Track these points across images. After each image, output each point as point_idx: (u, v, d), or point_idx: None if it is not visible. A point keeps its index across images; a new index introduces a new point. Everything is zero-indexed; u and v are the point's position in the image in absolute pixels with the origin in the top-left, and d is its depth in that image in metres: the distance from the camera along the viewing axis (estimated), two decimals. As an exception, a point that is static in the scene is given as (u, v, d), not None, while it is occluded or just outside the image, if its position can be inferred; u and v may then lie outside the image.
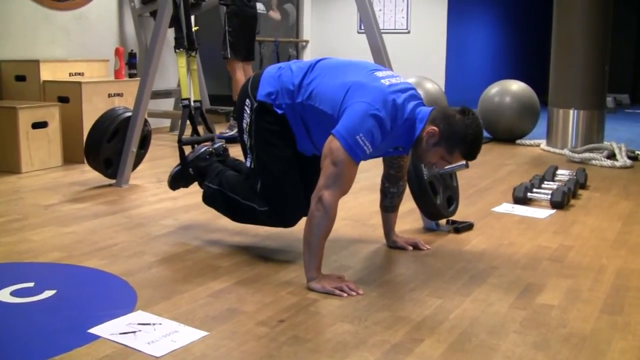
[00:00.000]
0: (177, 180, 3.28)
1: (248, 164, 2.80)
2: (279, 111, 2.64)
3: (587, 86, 6.04)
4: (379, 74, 2.58)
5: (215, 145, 3.23)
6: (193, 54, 3.92)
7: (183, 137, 3.42)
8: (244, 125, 2.75)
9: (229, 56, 6.07)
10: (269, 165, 2.71)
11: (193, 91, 3.95)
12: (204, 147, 3.19)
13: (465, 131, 2.49)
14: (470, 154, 2.56)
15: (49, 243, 2.99)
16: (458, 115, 2.51)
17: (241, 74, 6.21)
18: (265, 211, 2.76)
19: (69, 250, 2.90)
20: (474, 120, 2.53)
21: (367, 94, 2.45)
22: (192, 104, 3.79)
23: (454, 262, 2.83)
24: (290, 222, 2.80)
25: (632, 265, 2.81)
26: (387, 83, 2.52)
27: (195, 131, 3.72)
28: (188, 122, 3.67)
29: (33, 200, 3.80)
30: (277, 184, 2.72)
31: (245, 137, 2.76)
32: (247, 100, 2.72)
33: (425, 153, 2.56)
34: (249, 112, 2.71)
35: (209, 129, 3.75)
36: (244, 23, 6.19)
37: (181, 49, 3.81)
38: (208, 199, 3.02)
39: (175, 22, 3.86)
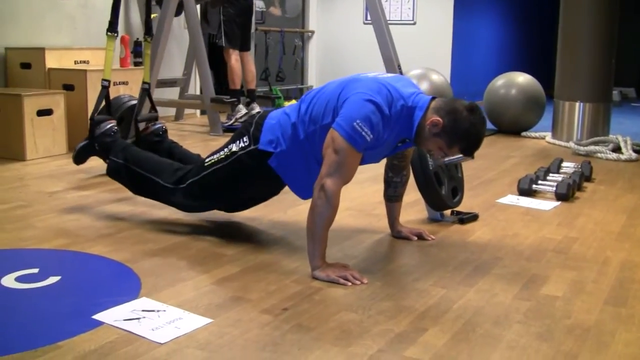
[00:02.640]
0: (81, 155, 3.45)
1: (206, 159, 2.88)
2: (273, 164, 2.69)
3: (593, 79, 6.02)
4: (368, 74, 2.63)
5: (155, 126, 3.48)
6: (149, 39, 4.02)
7: (140, 116, 3.77)
8: (230, 147, 2.79)
9: (224, 44, 6.17)
10: (218, 184, 2.83)
11: (145, 73, 4.05)
12: (110, 124, 3.35)
13: (469, 129, 2.51)
14: (469, 151, 2.59)
15: (53, 230, 2.99)
16: (466, 112, 2.50)
17: (237, 61, 6.27)
18: (169, 188, 2.93)
19: (74, 237, 2.90)
20: (480, 119, 2.55)
21: (360, 86, 2.49)
22: (144, 85, 4.04)
23: (458, 252, 2.83)
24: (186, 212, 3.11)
25: (637, 258, 2.80)
26: (377, 76, 2.59)
27: (107, 111, 3.86)
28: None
29: (37, 188, 3.80)
30: (209, 196, 2.90)
31: (224, 152, 2.81)
32: (246, 138, 2.75)
33: (424, 141, 2.58)
34: (240, 145, 2.76)
35: (154, 109, 3.95)
36: (238, 13, 6.24)
37: (113, 34, 3.84)
38: (112, 173, 3.19)
39: (113, 7, 3.88)
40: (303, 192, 2.77)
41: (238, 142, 2.77)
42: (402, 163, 2.93)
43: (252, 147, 2.72)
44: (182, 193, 2.91)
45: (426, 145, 2.60)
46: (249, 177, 2.78)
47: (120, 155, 3.12)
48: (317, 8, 9.58)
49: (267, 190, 2.95)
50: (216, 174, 2.82)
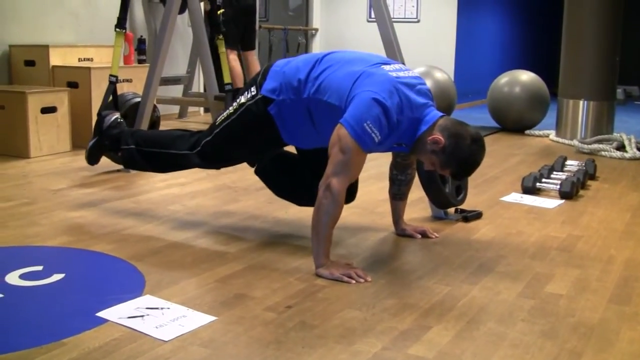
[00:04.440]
0: (93, 154, 3.44)
1: (217, 119, 2.86)
2: (272, 111, 2.65)
3: (597, 77, 6.01)
4: (387, 67, 2.57)
5: None
6: (219, 37, 4.01)
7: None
8: (239, 100, 2.77)
9: None
10: (230, 140, 2.80)
11: (224, 74, 4.05)
12: (114, 116, 3.32)
13: (467, 158, 2.54)
14: (460, 176, 2.69)
15: (57, 227, 3.00)
16: (469, 140, 2.52)
17: (235, 61, 6.26)
18: (186, 154, 2.90)
19: (78, 234, 2.90)
20: (481, 151, 2.58)
21: (374, 84, 2.45)
22: (227, 86, 4.19)
23: (462, 250, 2.83)
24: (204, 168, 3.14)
25: (641, 256, 2.80)
26: (395, 75, 2.52)
27: (115, 106, 3.86)
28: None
29: (41, 185, 3.80)
30: (223, 154, 2.87)
31: (233, 106, 2.79)
32: (254, 87, 2.73)
33: (420, 153, 2.61)
34: (248, 96, 2.73)
35: None
36: (238, 14, 6.22)
37: (121, 30, 3.90)
38: (128, 162, 3.16)
39: (122, 3, 3.90)
40: (294, 142, 2.80)
41: (246, 93, 2.75)
42: (406, 161, 2.92)
43: (258, 95, 2.69)
44: (198, 156, 2.87)
45: (420, 157, 2.64)
46: (256, 126, 2.72)
47: (131, 141, 3.09)
48: (321, 5, 9.58)
49: (273, 142, 2.84)
50: (227, 129, 2.78)
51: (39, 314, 2.08)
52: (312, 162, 2.86)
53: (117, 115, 3.35)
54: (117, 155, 3.29)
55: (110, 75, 3.86)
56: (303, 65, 2.65)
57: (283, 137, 2.73)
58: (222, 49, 4.08)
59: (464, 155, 2.52)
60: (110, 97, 3.88)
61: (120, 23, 3.89)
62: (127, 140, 3.10)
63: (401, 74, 2.55)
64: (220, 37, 4.05)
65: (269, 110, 2.65)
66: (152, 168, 3.16)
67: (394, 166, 2.96)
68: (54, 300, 2.19)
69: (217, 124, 2.82)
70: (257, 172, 3.09)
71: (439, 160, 2.54)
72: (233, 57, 6.27)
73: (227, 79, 3.95)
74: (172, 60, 6.58)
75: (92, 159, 3.46)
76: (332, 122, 2.46)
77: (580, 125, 6.07)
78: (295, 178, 3.00)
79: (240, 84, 6.33)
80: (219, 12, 4.16)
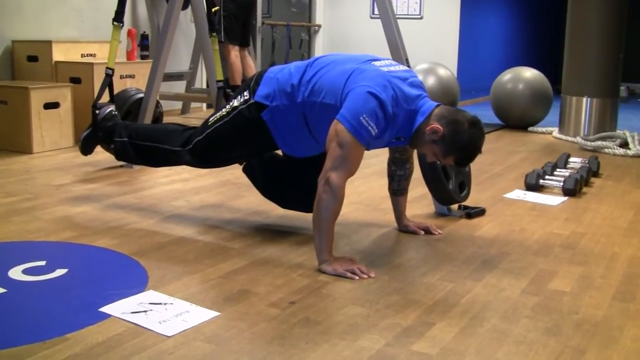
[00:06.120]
0: (87, 145, 3.46)
1: (210, 117, 2.86)
2: (265, 117, 2.66)
3: (600, 74, 5.99)
4: (377, 63, 2.59)
5: None
6: (214, 34, 4.05)
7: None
8: (232, 103, 2.78)
9: (223, 40, 6.10)
10: (220, 141, 2.80)
11: (217, 71, 4.08)
12: (108, 108, 3.37)
13: (467, 143, 2.53)
14: (463, 162, 2.64)
15: (60, 222, 3.00)
16: (467, 124, 2.52)
17: (236, 57, 6.23)
18: (178, 151, 2.91)
19: (81, 229, 2.90)
20: (480, 134, 2.57)
21: (368, 79, 2.46)
22: (218, 83, 4.22)
23: (465, 247, 2.82)
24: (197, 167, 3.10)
25: (645, 253, 2.80)
26: (386, 70, 2.54)
27: (112, 99, 3.89)
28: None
29: (44, 180, 3.80)
30: (212, 151, 2.86)
31: (226, 109, 2.80)
32: (247, 92, 2.74)
33: (421, 145, 2.60)
34: (241, 100, 2.74)
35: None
36: (239, 9, 6.19)
37: (119, 23, 3.92)
38: (120, 154, 3.17)
39: None
40: (289, 150, 2.78)
41: (239, 97, 2.76)
42: (404, 156, 2.93)
43: (251, 100, 2.70)
44: (189, 154, 2.88)
45: (421, 149, 2.63)
46: (248, 130, 2.73)
47: (124, 133, 3.09)
48: (324, 2, 9.56)
49: (266, 147, 2.86)
50: (219, 131, 2.79)
51: (42, 309, 2.08)
52: (298, 168, 2.87)
53: (111, 107, 3.39)
54: (110, 147, 3.29)
55: (107, 68, 3.87)
56: (295, 71, 2.66)
57: (278, 144, 2.74)
58: (215, 46, 4.10)
59: (464, 140, 2.51)
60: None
61: (118, 17, 3.89)
62: (121, 133, 3.11)
63: (392, 68, 2.58)
64: (214, 34, 4.08)
65: (262, 116, 2.66)
66: (143, 162, 3.19)
67: (392, 162, 2.96)
68: (57, 296, 2.19)
69: (209, 124, 2.83)
70: (244, 171, 3.10)
71: (440, 149, 2.53)
72: (235, 53, 6.25)
73: (219, 76, 3.96)
74: (175, 56, 6.58)
75: (86, 150, 3.48)
76: (329, 123, 2.46)
77: (583, 123, 6.06)
78: (280, 182, 3.01)
79: (239, 80, 6.30)
80: (213, 10, 4.18)
